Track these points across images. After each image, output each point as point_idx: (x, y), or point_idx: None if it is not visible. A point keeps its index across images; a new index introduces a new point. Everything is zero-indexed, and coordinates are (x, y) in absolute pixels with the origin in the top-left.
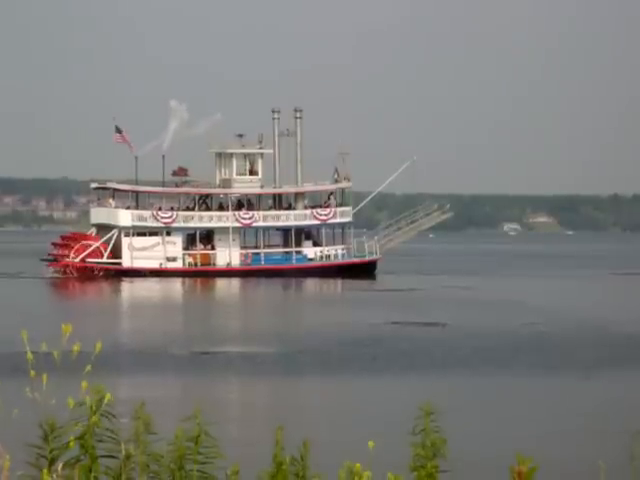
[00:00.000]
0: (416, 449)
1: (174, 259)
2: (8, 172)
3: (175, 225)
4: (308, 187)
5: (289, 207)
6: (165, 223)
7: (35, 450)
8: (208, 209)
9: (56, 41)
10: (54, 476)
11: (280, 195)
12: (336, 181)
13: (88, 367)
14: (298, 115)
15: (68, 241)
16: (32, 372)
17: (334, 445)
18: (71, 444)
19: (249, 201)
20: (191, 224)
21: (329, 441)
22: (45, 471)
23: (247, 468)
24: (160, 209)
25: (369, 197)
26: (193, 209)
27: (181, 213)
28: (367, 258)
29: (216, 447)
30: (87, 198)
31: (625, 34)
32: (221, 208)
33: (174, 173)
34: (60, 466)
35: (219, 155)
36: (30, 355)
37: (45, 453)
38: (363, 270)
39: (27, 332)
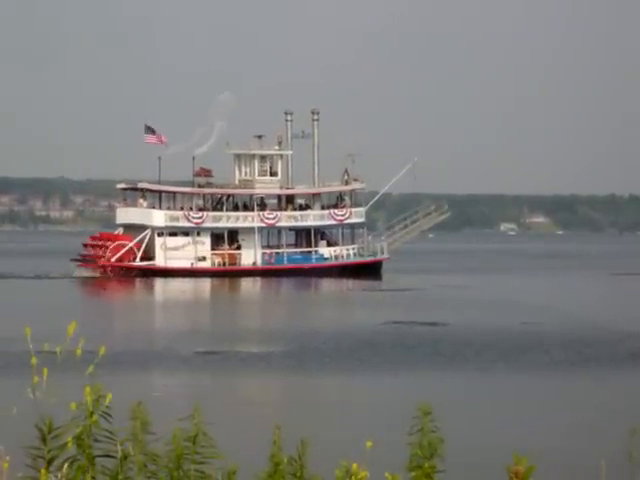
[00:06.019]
0: (413, 449)
1: (204, 259)
2: (4, 171)
3: (205, 225)
4: (326, 188)
5: (301, 207)
6: (196, 223)
7: (33, 451)
8: (226, 209)
9: (53, 40)
10: (58, 475)
11: (293, 196)
12: (346, 182)
13: (90, 368)
14: (315, 117)
15: (101, 241)
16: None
17: (333, 444)
18: (69, 444)
19: (263, 201)
20: (219, 224)
21: (328, 440)
22: (43, 471)
23: (245, 468)
24: (188, 209)
25: (375, 198)
26: (209, 210)
27: (210, 213)
28: (378, 257)
29: (214, 447)
30: (84, 197)
31: (625, 35)
32: (236, 208)
33: (196, 174)
34: (64, 467)
35: (238, 156)
36: (28, 357)
37: (43, 454)
38: (371, 270)
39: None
